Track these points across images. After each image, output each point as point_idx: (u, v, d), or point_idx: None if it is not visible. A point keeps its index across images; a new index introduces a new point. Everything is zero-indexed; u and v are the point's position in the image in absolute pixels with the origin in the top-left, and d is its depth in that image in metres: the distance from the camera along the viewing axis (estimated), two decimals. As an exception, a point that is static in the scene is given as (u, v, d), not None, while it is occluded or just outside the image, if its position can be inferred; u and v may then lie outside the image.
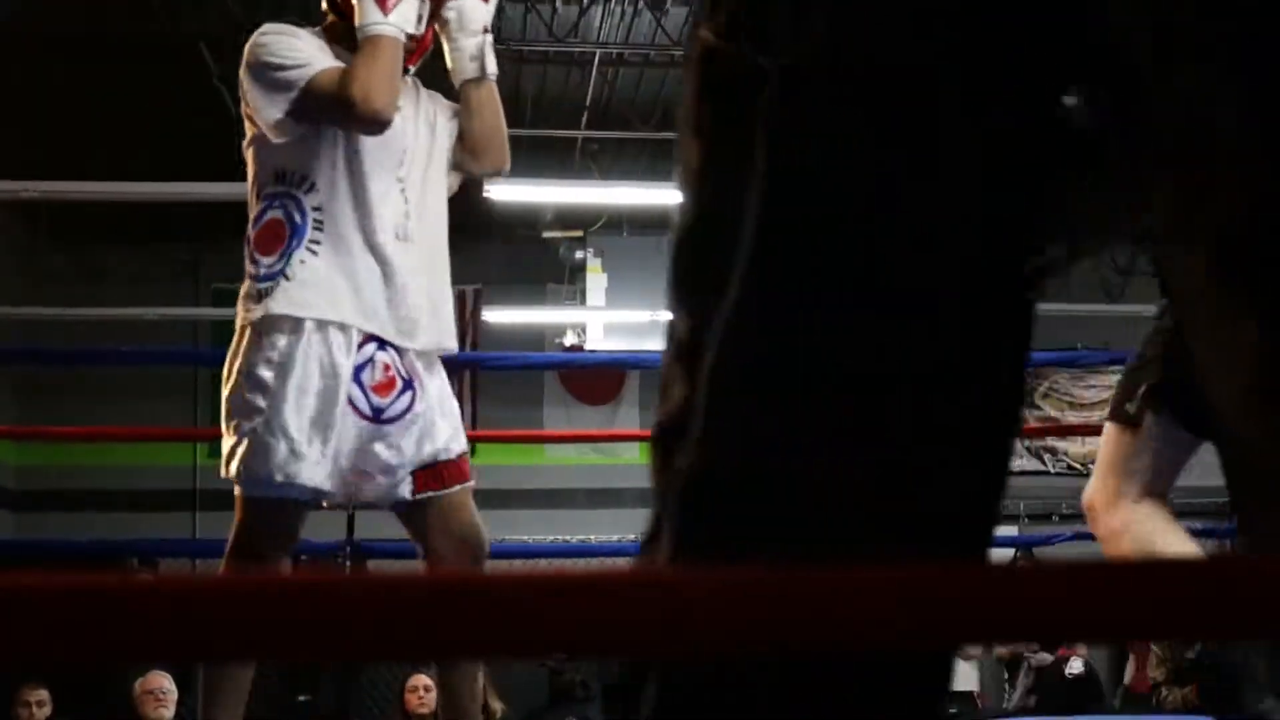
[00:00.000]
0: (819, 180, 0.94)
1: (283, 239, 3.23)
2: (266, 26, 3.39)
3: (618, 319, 14.41)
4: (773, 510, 0.94)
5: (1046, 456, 18.72)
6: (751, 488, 0.94)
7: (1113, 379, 19.18)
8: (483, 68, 3.48)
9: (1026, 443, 17.75)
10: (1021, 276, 0.99)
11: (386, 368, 3.28)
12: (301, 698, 10.41)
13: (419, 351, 3.35)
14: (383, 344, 3.29)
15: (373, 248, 3.29)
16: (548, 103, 12.69)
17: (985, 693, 10.91)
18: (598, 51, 11.52)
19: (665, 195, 12.60)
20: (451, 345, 3.44)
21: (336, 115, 3.24)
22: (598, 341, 14.59)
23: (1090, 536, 7.64)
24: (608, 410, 16.16)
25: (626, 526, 15.95)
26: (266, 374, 3.21)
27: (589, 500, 16.52)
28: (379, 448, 3.29)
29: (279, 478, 3.18)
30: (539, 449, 15.98)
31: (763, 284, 0.95)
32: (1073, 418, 18.48)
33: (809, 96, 0.95)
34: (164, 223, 13.57)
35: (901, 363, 0.94)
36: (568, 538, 15.48)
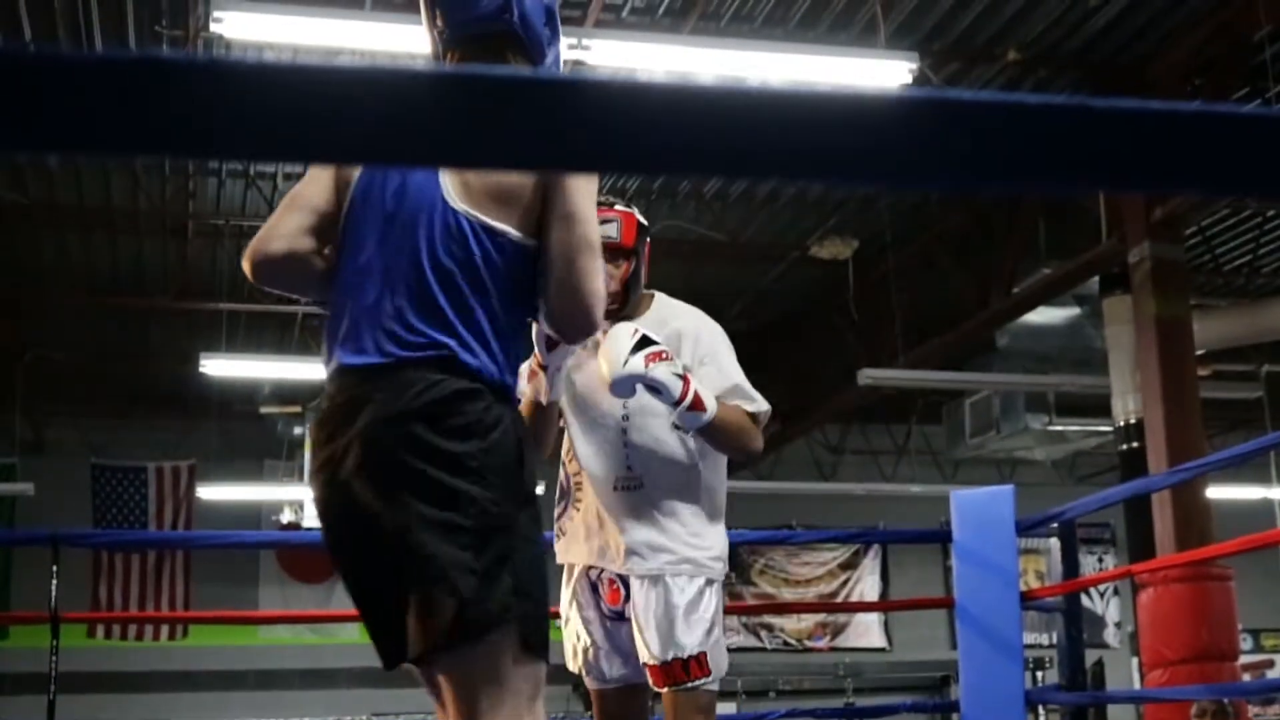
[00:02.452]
0: None
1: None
2: None
3: (337, 496, 14.20)
4: None
5: (763, 633, 18.87)
6: None
7: (828, 555, 19.74)
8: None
9: (744, 619, 17.92)
10: None
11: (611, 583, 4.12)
12: None
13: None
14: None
15: None
16: (267, 278, 12.55)
17: None
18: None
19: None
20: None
21: None
22: (316, 518, 14.34)
23: (810, 714, 7.68)
24: (324, 590, 15.83)
25: (341, 708, 15.58)
26: None
27: (304, 681, 16.13)
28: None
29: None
30: (252, 629, 15.60)
31: None
32: (789, 594, 18.70)
33: None
34: None
35: None
36: (283, 720, 15.08)
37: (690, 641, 3.91)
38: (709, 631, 3.94)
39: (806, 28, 9.42)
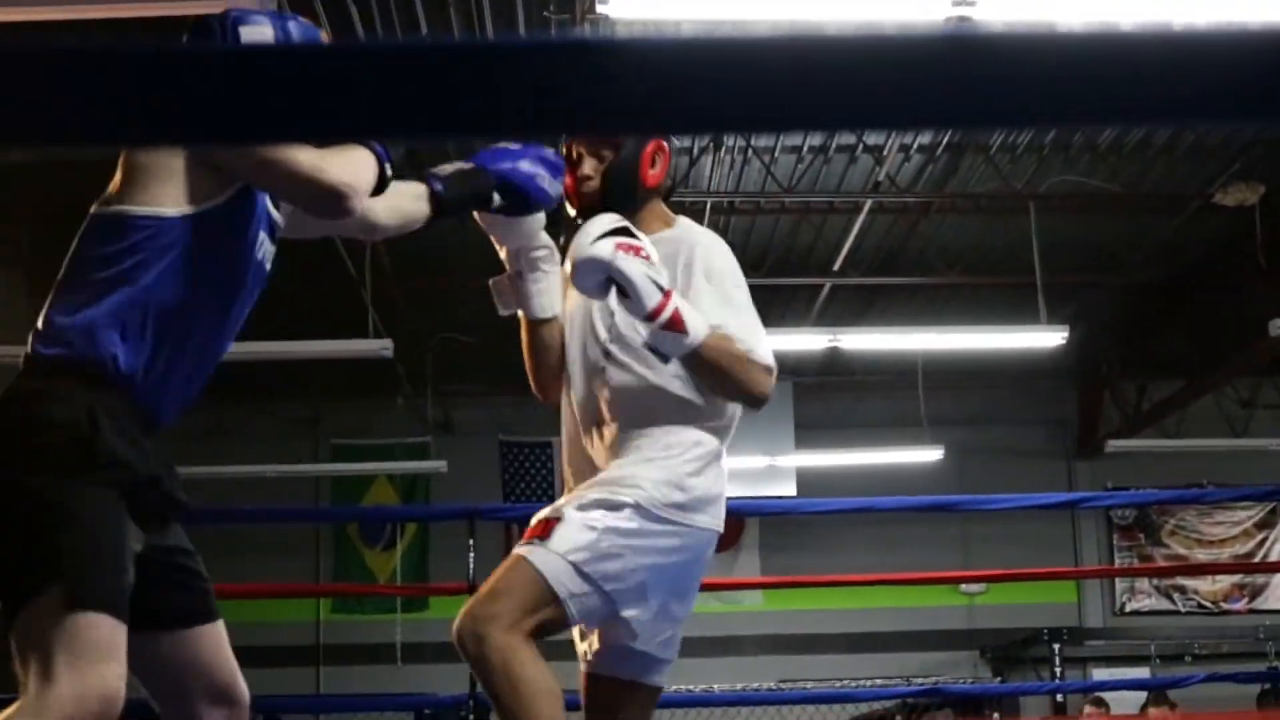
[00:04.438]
0: None
1: None
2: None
3: (735, 464, 14.32)
4: None
5: (1176, 595, 18.31)
6: None
7: (1241, 514, 18.86)
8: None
9: (1155, 582, 17.40)
10: None
11: None
12: None
13: None
14: None
15: None
16: (661, 252, 12.76)
17: None
18: (709, 200, 11.66)
19: (773, 341, 12.58)
20: None
21: None
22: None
23: (1230, 678, 7.41)
24: (727, 557, 15.97)
25: (748, 675, 15.77)
26: None
27: (710, 649, 16.37)
28: None
29: None
30: (659, 597, 15.87)
31: None
32: (1201, 555, 18.10)
33: None
34: (284, 380, 13.74)
35: None
36: (690, 687, 15.39)
37: (565, 509, 3.36)
38: (592, 526, 3.32)
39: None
